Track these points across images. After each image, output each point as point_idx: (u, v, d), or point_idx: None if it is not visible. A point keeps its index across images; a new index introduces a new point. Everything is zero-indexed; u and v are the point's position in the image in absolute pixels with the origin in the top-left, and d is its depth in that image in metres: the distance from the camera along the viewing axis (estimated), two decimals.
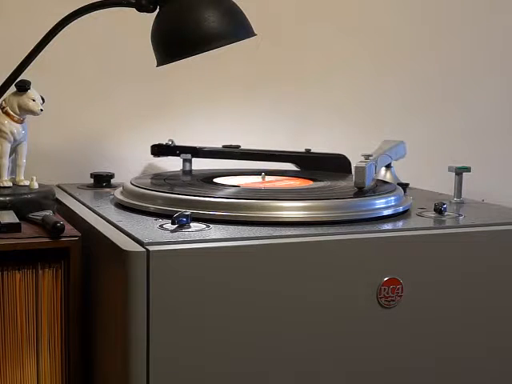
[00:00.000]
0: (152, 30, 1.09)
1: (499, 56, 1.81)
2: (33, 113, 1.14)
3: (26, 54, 1.12)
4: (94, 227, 1.01)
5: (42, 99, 1.15)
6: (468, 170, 1.26)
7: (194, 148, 1.42)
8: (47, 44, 1.11)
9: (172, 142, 1.42)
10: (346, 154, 1.44)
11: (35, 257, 0.97)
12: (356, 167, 1.13)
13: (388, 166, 1.37)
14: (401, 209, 1.12)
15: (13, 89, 1.13)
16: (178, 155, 1.41)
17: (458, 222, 1.09)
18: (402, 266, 0.99)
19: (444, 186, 1.42)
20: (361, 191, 1.12)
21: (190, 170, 1.41)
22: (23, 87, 1.13)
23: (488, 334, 1.06)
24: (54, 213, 1.10)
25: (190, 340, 0.90)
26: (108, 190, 1.31)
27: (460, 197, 1.26)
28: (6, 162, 1.14)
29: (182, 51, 1.06)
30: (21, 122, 1.14)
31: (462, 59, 1.77)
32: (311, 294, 0.95)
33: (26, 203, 1.08)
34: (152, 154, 1.43)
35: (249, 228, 0.98)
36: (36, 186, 1.14)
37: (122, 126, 1.49)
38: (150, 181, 1.21)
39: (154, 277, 0.87)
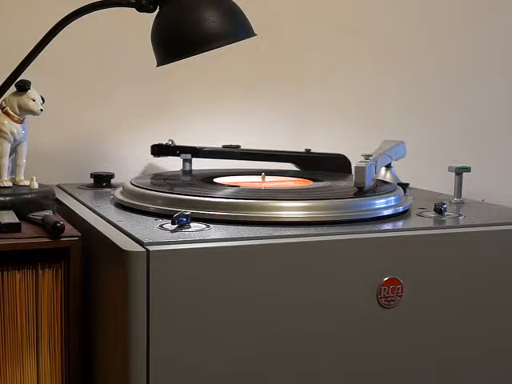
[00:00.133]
0: (152, 30, 1.09)
1: (499, 56, 1.81)
2: (33, 113, 1.14)
3: (26, 54, 1.12)
4: (94, 227, 1.01)
5: (42, 99, 1.15)
6: (468, 170, 1.26)
7: (194, 148, 1.42)
8: (47, 44, 1.11)
9: (172, 141, 1.42)
10: (346, 154, 1.44)
11: (35, 257, 0.97)
12: (356, 167, 1.13)
13: (388, 166, 1.37)
14: (401, 209, 1.12)
15: (13, 89, 1.13)
16: (178, 155, 1.41)
17: (457, 222, 1.09)
18: (402, 266, 0.99)
19: (444, 186, 1.42)
20: (361, 191, 1.12)
21: (190, 170, 1.41)
22: (23, 87, 1.13)
23: (488, 334, 1.06)
24: (54, 213, 1.10)
25: (190, 340, 0.90)
26: (108, 189, 1.31)
27: (460, 197, 1.26)
28: (6, 162, 1.14)
29: (182, 51, 1.06)
30: (21, 122, 1.14)
31: (462, 59, 1.77)
32: (311, 293, 0.95)
33: (26, 203, 1.08)
34: (152, 154, 1.43)
35: (249, 228, 0.98)
36: (36, 186, 1.14)
37: (121, 125, 1.50)
38: (150, 181, 1.21)
39: (154, 277, 0.87)
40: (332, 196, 1.09)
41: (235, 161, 1.43)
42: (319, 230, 0.99)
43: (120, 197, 1.14)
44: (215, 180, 1.24)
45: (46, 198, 1.11)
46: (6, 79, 1.12)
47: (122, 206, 1.12)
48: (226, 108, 1.56)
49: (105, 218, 1.05)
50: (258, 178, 1.27)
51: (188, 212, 0.97)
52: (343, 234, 0.98)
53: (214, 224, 0.99)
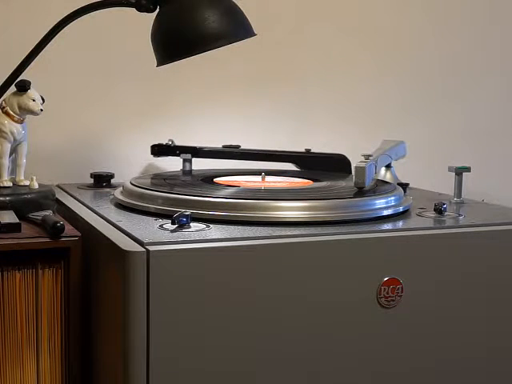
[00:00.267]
0: (152, 30, 1.09)
1: (499, 56, 1.81)
2: (33, 113, 1.14)
3: (26, 54, 1.12)
4: (94, 227, 1.01)
5: (42, 99, 1.15)
6: (468, 170, 1.26)
7: (194, 148, 1.42)
8: (47, 44, 1.11)
9: (172, 142, 1.42)
10: (346, 154, 1.44)
11: (35, 257, 0.97)
12: (356, 167, 1.13)
13: (388, 166, 1.37)
14: (401, 209, 1.12)
15: (13, 89, 1.13)
16: (178, 155, 1.41)
17: (457, 222, 1.09)
18: (402, 266, 0.99)
19: (444, 186, 1.42)
20: (361, 191, 1.12)
21: (190, 170, 1.41)
22: (23, 87, 1.13)
23: (488, 334, 1.06)
24: (54, 213, 1.10)
25: (189, 340, 0.90)
26: (108, 189, 1.31)
27: (460, 197, 1.26)
28: (6, 162, 1.14)
29: (182, 51, 1.06)
30: (21, 122, 1.14)
31: (462, 59, 1.77)
32: (311, 294, 0.95)
33: (26, 203, 1.08)
34: (152, 154, 1.43)
35: (249, 228, 0.98)
36: (36, 185, 1.14)
37: (121, 126, 1.49)
38: (150, 181, 1.21)
39: (154, 277, 0.87)
40: (332, 196, 1.09)
41: (235, 161, 1.43)
42: (319, 230, 0.99)
43: (120, 197, 1.14)
44: (215, 180, 1.24)
45: (45, 198, 1.11)
46: (6, 79, 1.12)
47: (122, 206, 1.12)
48: (225, 108, 1.56)
49: (105, 218, 1.05)
50: (257, 178, 1.26)
51: (188, 212, 0.97)
52: (343, 234, 0.98)
53: (214, 224, 0.99)
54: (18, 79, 1.12)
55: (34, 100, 1.13)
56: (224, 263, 0.91)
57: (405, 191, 1.23)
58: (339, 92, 1.65)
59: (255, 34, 1.10)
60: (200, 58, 1.07)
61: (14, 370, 0.98)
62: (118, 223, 1.00)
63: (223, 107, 1.56)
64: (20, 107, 1.13)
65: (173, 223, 0.96)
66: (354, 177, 1.14)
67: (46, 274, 0.97)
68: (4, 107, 1.13)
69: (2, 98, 1.14)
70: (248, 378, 0.94)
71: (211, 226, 0.99)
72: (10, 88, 1.13)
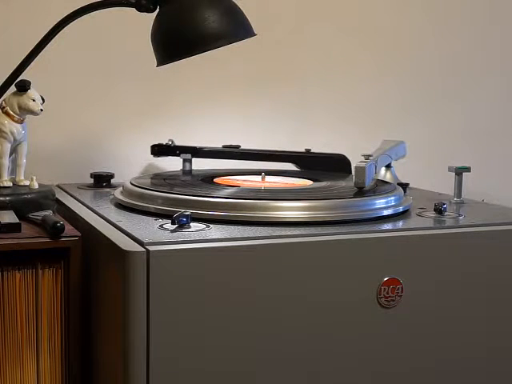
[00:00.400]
0: (152, 30, 1.09)
1: (499, 56, 1.81)
2: (33, 113, 1.14)
3: (26, 54, 1.12)
4: (94, 227, 1.01)
5: (42, 99, 1.15)
6: (468, 170, 1.26)
7: (194, 148, 1.42)
8: (47, 44, 1.11)
9: (172, 142, 1.42)
10: (346, 154, 1.44)
11: (35, 257, 0.97)
12: (356, 167, 1.13)
13: (388, 166, 1.37)
14: (401, 209, 1.12)
15: (13, 89, 1.13)
16: (178, 155, 1.41)
17: (457, 222, 1.09)
18: (402, 266, 0.99)
19: (444, 186, 1.42)
20: (361, 191, 1.12)
21: (190, 170, 1.41)
22: (23, 87, 1.13)
23: (488, 334, 1.06)
24: (54, 213, 1.10)
25: (189, 340, 0.90)
26: (108, 189, 1.31)
27: (460, 197, 1.26)
28: (6, 162, 1.14)
29: (182, 51, 1.06)
30: (21, 122, 1.14)
31: (462, 59, 1.77)
32: (311, 294, 0.95)
33: (26, 203, 1.08)
34: (152, 154, 1.43)
35: (249, 228, 0.98)
36: (36, 185, 1.14)
37: (121, 126, 1.49)
38: (149, 181, 1.21)
39: (154, 277, 0.87)
40: (332, 196, 1.09)
41: (235, 161, 1.43)
42: (319, 230, 0.99)
43: (120, 197, 1.14)
44: (215, 180, 1.24)
45: (45, 198, 1.11)
46: (6, 79, 1.12)
47: (122, 205, 1.12)
48: (225, 108, 1.56)
49: (105, 218, 1.05)
50: (257, 178, 1.26)
51: (188, 212, 0.97)
52: (343, 234, 0.98)
53: (214, 224, 0.99)
54: (18, 79, 1.12)
55: (34, 100, 1.13)
56: (224, 263, 0.91)
57: (405, 191, 1.23)
58: (339, 92, 1.65)
59: (255, 34, 1.10)
60: (200, 57, 1.07)
61: (14, 370, 0.98)
62: (118, 223, 1.00)
63: (223, 107, 1.56)
64: (20, 107, 1.13)
65: (173, 223, 0.96)
66: (354, 177, 1.14)
67: (45, 274, 0.97)
68: (4, 107, 1.13)
69: (2, 98, 1.14)
70: (248, 378, 0.94)
71: (211, 225, 0.99)
72: (10, 88, 1.13)
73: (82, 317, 1.00)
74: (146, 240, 0.90)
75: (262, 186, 1.22)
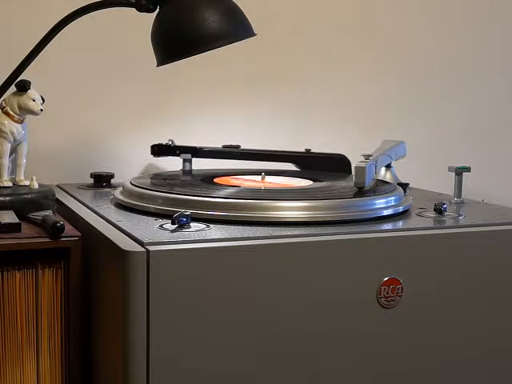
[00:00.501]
0: (152, 30, 1.09)
1: (499, 56, 1.81)
2: (33, 113, 1.14)
3: (26, 54, 1.12)
4: (94, 227, 1.01)
5: (42, 99, 1.15)
6: (468, 170, 1.26)
7: (194, 148, 1.42)
8: (47, 44, 1.11)
9: (172, 142, 1.42)
10: (346, 154, 1.44)
11: (35, 257, 0.97)
12: (356, 167, 1.13)
13: (388, 166, 1.37)
14: (401, 209, 1.12)
15: (13, 89, 1.13)
16: (178, 155, 1.41)
17: (457, 222, 1.09)
18: (402, 266, 0.99)
19: (444, 186, 1.42)
20: (361, 191, 1.12)
21: (190, 170, 1.41)
22: (23, 87, 1.13)
23: (488, 334, 1.06)
24: (54, 213, 1.10)
25: (190, 340, 0.90)
26: (108, 189, 1.31)
27: (460, 197, 1.26)
28: (6, 162, 1.14)
29: (182, 51, 1.06)
30: (21, 122, 1.14)
31: (462, 59, 1.77)
32: (311, 294, 0.95)
33: (26, 203, 1.08)
34: (152, 154, 1.43)
35: (249, 228, 0.98)
36: (36, 185, 1.14)
37: (121, 126, 1.49)
38: (149, 181, 1.21)
39: (154, 277, 0.87)
40: (332, 196, 1.09)
41: (235, 161, 1.43)
42: (319, 230, 0.99)
43: (120, 197, 1.14)
44: (215, 180, 1.24)
45: (45, 198, 1.11)
46: (6, 79, 1.12)
47: (122, 205, 1.12)
48: (225, 108, 1.56)
49: (105, 218, 1.05)
50: (258, 178, 1.26)
51: (188, 212, 0.97)
52: (343, 234, 0.98)
53: (214, 224, 0.99)
54: (18, 79, 1.12)
55: (34, 100, 1.13)
56: (224, 263, 0.91)
57: (405, 191, 1.23)
58: (339, 92, 1.65)
59: (255, 34, 1.10)
60: (200, 58, 1.07)
61: (14, 370, 0.98)
62: (118, 223, 1.00)
63: (223, 107, 1.56)
64: (20, 107, 1.13)
65: (173, 223, 0.96)
66: (354, 177, 1.14)
67: (46, 274, 0.97)
68: (4, 107, 1.13)
69: (2, 98, 1.14)
70: (248, 378, 0.94)
71: (211, 226, 0.99)
72: (10, 88, 1.13)
73: (82, 317, 1.00)
74: (146, 240, 0.90)
75: (262, 186, 1.22)
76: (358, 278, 0.97)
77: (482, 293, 1.05)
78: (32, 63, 1.12)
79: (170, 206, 1.04)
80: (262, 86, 1.58)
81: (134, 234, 0.93)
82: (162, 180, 1.22)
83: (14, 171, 1.17)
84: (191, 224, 0.97)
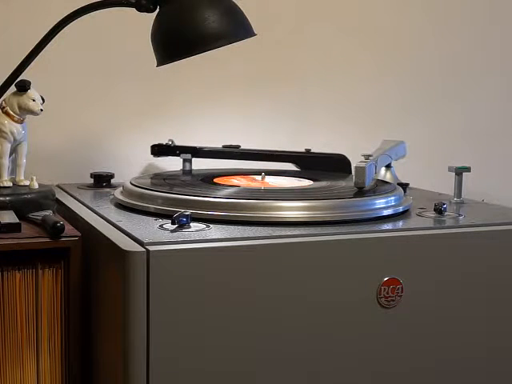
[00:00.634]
0: (152, 30, 1.09)
1: (499, 56, 1.81)
2: (33, 113, 1.14)
3: (26, 54, 1.12)
4: (94, 227, 1.01)
5: (42, 99, 1.15)
6: (468, 170, 1.26)
7: (194, 148, 1.42)
8: (47, 44, 1.11)
9: (172, 142, 1.42)
10: (346, 154, 1.44)
11: (35, 257, 0.97)
12: (356, 167, 1.13)
13: (388, 166, 1.37)
14: (401, 209, 1.12)
15: (13, 89, 1.13)
16: (178, 155, 1.41)
17: (457, 222, 1.09)
18: (402, 266, 0.99)
19: (444, 186, 1.42)
20: (361, 191, 1.12)
21: (190, 170, 1.41)
22: (23, 87, 1.13)
23: (488, 334, 1.06)
24: (54, 213, 1.10)
25: (190, 340, 0.90)
26: (108, 189, 1.31)
27: (460, 197, 1.26)
28: (6, 162, 1.14)
29: (182, 51, 1.06)
30: (21, 122, 1.14)
31: (462, 59, 1.77)
32: (311, 294, 0.95)
33: (26, 203, 1.08)
34: (152, 154, 1.43)
35: (249, 228, 0.98)
36: (36, 185, 1.14)
37: (121, 125, 1.49)
38: (149, 181, 1.21)
39: (154, 277, 0.87)
40: (332, 196, 1.09)
41: (235, 161, 1.43)
42: (319, 230, 0.99)
43: (120, 197, 1.14)
44: (215, 180, 1.24)
45: (46, 198, 1.11)
46: (6, 79, 1.12)
47: (122, 205, 1.12)
48: (225, 108, 1.56)
49: (105, 218, 1.05)
50: (258, 178, 1.26)
51: (188, 212, 0.97)
52: (343, 234, 0.98)
53: (214, 224, 0.99)
54: (18, 79, 1.12)
55: (34, 100, 1.13)
56: (224, 263, 0.91)
57: (405, 191, 1.23)
58: (339, 92, 1.65)
59: (255, 34, 1.10)
60: (200, 58, 1.07)
61: (14, 370, 0.98)
62: (118, 223, 1.00)
63: (223, 107, 1.56)
64: (20, 107, 1.13)
65: (173, 223, 0.96)
66: (354, 177, 1.14)
67: (46, 274, 0.97)
68: (4, 107, 1.13)
69: (2, 98, 1.14)
70: (248, 377, 0.94)
71: (211, 225, 0.99)
72: (10, 88, 1.13)
73: (82, 317, 1.00)
74: (146, 240, 0.90)
75: (262, 186, 1.22)
76: (358, 278, 0.97)
77: (482, 293, 1.05)
78: (32, 63, 1.12)
79: (170, 205, 1.04)
80: (262, 85, 1.58)
81: (134, 233, 0.93)
82: (162, 180, 1.22)
83: (14, 171, 1.17)
84: (191, 224, 0.97)
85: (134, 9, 1.10)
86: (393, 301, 0.99)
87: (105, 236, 0.96)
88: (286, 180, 1.27)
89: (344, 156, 1.44)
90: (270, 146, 1.48)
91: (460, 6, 1.75)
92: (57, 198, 1.17)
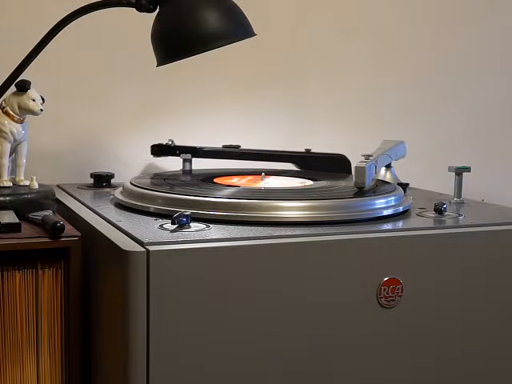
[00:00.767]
0: (152, 30, 1.09)
1: (499, 56, 1.81)
2: (33, 113, 1.14)
3: (26, 54, 1.12)
4: (94, 227, 1.01)
5: (42, 99, 1.15)
6: (468, 169, 1.26)
7: (194, 148, 1.42)
8: (47, 44, 1.11)
9: (172, 142, 1.42)
10: (346, 154, 1.44)
11: (35, 257, 0.97)
12: (356, 167, 1.13)
13: (388, 166, 1.37)
14: (401, 209, 1.12)
15: (13, 89, 1.13)
16: (178, 155, 1.42)
17: (457, 222, 1.09)
18: (402, 265, 0.99)
19: (444, 186, 1.42)
20: (361, 191, 1.12)
21: (190, 170, 1.41)
22: (23, 87, 1.13)
23: (488, 334, 1.06)
24: (54, 213, 1.10)
25: (190, 340, 0.90)
26: (108, 189, 1.31)
27: (460, 197, 1.26)
28: (6, 162, 1.14)
29: (182, 51, 1.06)
30: (21, 122, 1.14)
31: (462, 59, 1.77)
32: (311, 293, 0.95)
33: (26, 203, 1.08)
34: (152, 154, 1.43)
35: (249, 228, 0.98)
36: (36, 185, 1.14)
37: (121, 125, 1.50)
38: (149, 181, 1.21)
39: (154, 277, 0.87)
40: (332, 196, 1.09)
41: (235, 161, 1.43)
42: (319, 230, 0.99)
43: (120, 197, 1.14)
44: (215, 180, 1.24)
45: (46, 198, 1.11)
46: (6, 79, 1.12)
47: (121, 206, 1.12)
48: (226, 108, 1.56)
49: (105, 218, 1.05)
50: (257, 178, 1.26)
51: (188, 212, 0.97)
52: (343, 233, 0.98)
53: (214, 224, 0.99)
54: (18, 79, 1.12)
55: (34, 100, 1.13)
56: (224, 263, 0.91)
57: (405, 191, 1.23)
58: (339, 92, 1.65)
59: (255, 34, 1.10)
60: (200, 57, 1.07)
61: (14, 370, 0.98)
62: (117, 223, 1.00)
63: (223, 107, 1.56)
64: (20, 107, 1.13)
65: (173, 223, 0.96)
66: (353, 177, 1.14)
67: (46, 274, 0.97)
68: (4, 107, 1.13)
69: (2, 98, 1.14)
70: (248, 377, 0.94)
71: (211, 225, 0.99)
72: (10, 88, 1.13)
73: (82, 317, 1.00)
74: (146, 240, 0.90)
75: (262, 186, 1.22)
76: (358, 278, 0.97)
77: (482, 293, 1.05)
78: (32, 63, 1.12)
79: (170, 205, 1.04)
80: (262, 86, 1.58)
81: (133, 233, 0.93)
82: (162, 180, 1.22)
83: (14, 171, 1.17)
84: (191, 224, 0.97)
85: (134, 9, 1.10)
86: (393, 301, 0.99)
87: (105, 236, 0.96)
88: (286, 180, 1.27)
89: (344, 156, 1.44)
90: (270, 146, 1.48)
91: (460, 6, 1.75)
92: (57, 198, 1.17)
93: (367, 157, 1.20)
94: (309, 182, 1.24)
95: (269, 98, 1.59)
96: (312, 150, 1.45)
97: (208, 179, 1.24)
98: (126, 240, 0.92)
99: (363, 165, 1.12)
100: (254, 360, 0.93)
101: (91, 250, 1.01)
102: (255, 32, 1.10)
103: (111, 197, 1.20)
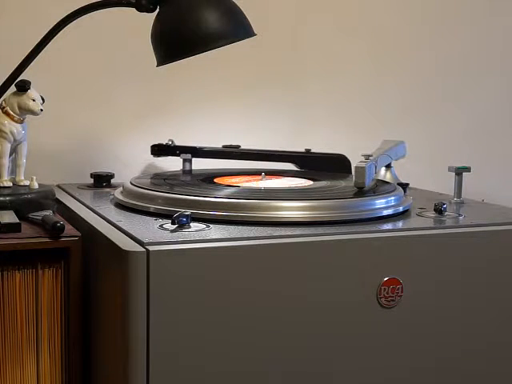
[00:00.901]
0: (152, 30, 1.09)
1: (499, 56, 1.81)
2: (33, 113, 1.14)
3: (26, 54, 1.12)
4: (94, 227, 1.01)
5: (42, 99, 1.15)
6: (468, 169, 1.26)
7: (194, 148, 1.42)
8: (47, 44, 1.11)
9: (172, 141, 1.42)
10: (346, 154, 1.44)
11: (35, 257, 0.97)
12: (356, 167, 1.13)
13: (388, 166, 1.37)
14: (401, 209, 1.12)
15: (13, 89, 1.13)
16: (178, 155, 1.41)
17: (457, 222, 1.09)
18: (402, 266, 0.99)
19: (444, 186, 1.42)
20: (361, 191, 1.12)
21: (190, 170, 1.41)
22: (23, 87, 1.13)
23: (488, 334, 1.06)
24: (54, 213, 1.10)
25: (190, 340, 0.90)
26: (108, 189, 1.31)
27: (460, 197, 1.26)
28: (6, 162, 1.14)
29: (182, 51, 1.06)
30: (21, 122, 1.14)
31: (462, 59, 1.77)
32: (311, 293, 0.95)
33: (26, 203, 1.08)
34: (152, 154, 1.43)
35: (249, 228, 0.98)
36: (36, 185, 1.14)
37: (121, 125, 1.50)
38: (149, 181, 1.21)
39: (154, 277, 0.87)
40: (332, 196, 1.09)
41: (235, 161, 1.43)
42: (319, 230, 0.99)
43: (120, 197, 1.14)
44: (215, 180, 1.24)
45: (46, 198, 1.11)
46: (6, 79, 1.12)
47: (121, 206, 1.12)
48: (226, 108, 1.56)
49: (105, 218, 1.05)
50: (257, 178, 1.26)
51: (188, 212, 0.97)
52: (343, 233, 0.98)
53: (214, 224, 0.99)
54: (18, 79, 1.12)
55: (34, 100, 1.13)
56: (224, 263, 0.91)
57: (405, 191, 1.23)
58: (339, 92, 1.65)
59: (255, 34, 1.10)
60: (200, 58, 1.07)
61: (14, 370, 0.98)
62: (117, 223, 1.00)
63: (223, 107, 1.56)
64: (20, 107, 1.13)
65: (173, 223, 0.96)
66: (353, 177, 1.14)
67: (46, 274, 0.98)
68: (4, 107, 1.13)
69: (2, 98, 1.14)
70: (248, 377, 0.94)
71: (211, 225, 0.99)
72: (10, 88, 1.13)
73: (82, 317, 1.00)
74: (145, 240, 0.90)
75: (262, 186, 1.22)
76: (358, 278, 0.97)
77: (482, 293, 1.05)
78: (32, 63, 1.12)
79: (170, 205, 1.04)
80: (262, 86, 1.58)
81: (133, 233, 0.93)
82: (162, 180, 1.22)
83: (13, 171, 1.17)
84: (191, 224, 0.97)
85: (134, 9, 1.10)
86: (393, 301, 0.99)
87: (105, 236, 0.96)
88: (286, 180, 1.27)
89: (344, 156, 1.44)
90: (270, 146, 1.48)
91: (460, 6, 1.75)
92: (57, 198, 1.17)
93: (367, 157, 1.20)
94: (309, 182, 1.24)
95: (269, 98, 1.59)
96: (312, 150, 1.45)
97: (208, 179, 1.24)
98: (126, 240, 0.92)
99: (363, 165, 1.12)
100: (254, 360, 0.93)
101: (91, 249, 1.01)
102: (255, 32, 1.10)
103: (111, 197, 1.20)
